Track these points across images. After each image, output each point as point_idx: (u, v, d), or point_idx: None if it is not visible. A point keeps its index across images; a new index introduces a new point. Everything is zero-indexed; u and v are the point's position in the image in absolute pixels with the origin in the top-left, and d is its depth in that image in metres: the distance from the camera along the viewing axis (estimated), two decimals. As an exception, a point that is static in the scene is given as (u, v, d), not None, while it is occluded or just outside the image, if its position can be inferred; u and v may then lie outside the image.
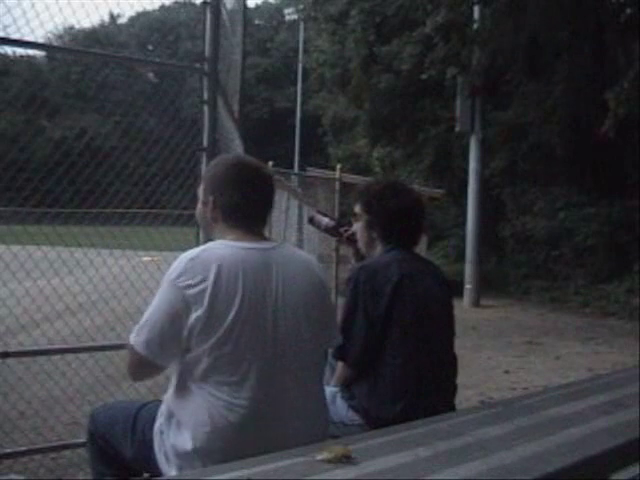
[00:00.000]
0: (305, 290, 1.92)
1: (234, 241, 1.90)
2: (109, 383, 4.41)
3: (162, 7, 49.03)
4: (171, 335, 1.80)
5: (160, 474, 1.85)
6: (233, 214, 1.95)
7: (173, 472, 1.83)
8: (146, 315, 1.84)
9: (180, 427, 1.83)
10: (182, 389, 1.85)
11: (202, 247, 1.91)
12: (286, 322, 1.85)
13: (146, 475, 2.07)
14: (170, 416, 1.88)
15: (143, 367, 1.89)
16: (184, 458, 1.81)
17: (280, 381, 1.83)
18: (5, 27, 3.25)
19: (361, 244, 2.52)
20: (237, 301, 1.78)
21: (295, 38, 33.53)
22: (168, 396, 1.92)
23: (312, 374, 1.94)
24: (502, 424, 1.82)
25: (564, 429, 1.77)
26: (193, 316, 1.76)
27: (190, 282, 1.77)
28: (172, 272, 1.81)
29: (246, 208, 1.95)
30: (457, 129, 12.50)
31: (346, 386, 2.33)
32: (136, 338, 1.84)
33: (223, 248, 1.87)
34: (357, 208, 2.51)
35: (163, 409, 1.94)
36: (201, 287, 1.77)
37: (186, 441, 1.80)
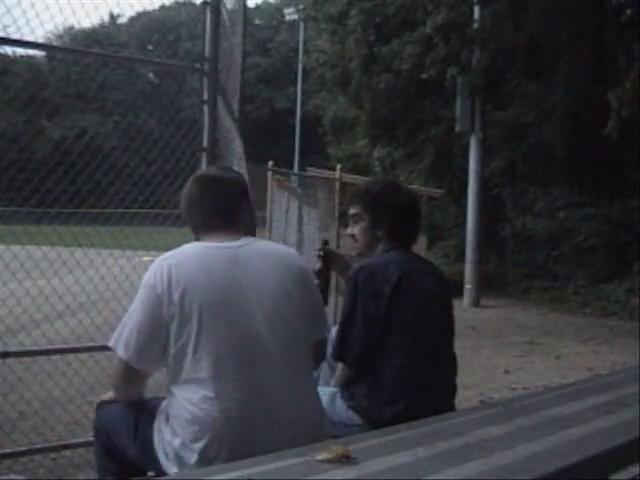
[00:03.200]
0: (282, 281, 1.95)
1: (204, 241, 2.01)
2: (109, 383, 4.40)
3: (162, 7, 48.92)
4: (151, 338, 1.86)
5: (162, 472, 1.86)
6: (196, 227, 2.07)
7: (174, 469, 1.84)
8: (124, 320, 1.91)
9: (173, 426, 1.86)
10: (169, 391, 1.90)
11: (175, 250, 2.00)
12: (263, 314, 1.88)
13: (150, 474, 2.07)
14: (166, 414, 1.91)
15: (127, 374, 1.95)
16: (181, 455, 1.82)
17: (262, 373, 1.84)
18: (5, 27, 3.26)
19: (362, 245, 2.51)
20: (205, 297, 1.84)
21: (295, 38, 33.50)
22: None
23: (297, 364, 1.93)
24: (502, 424, 1.82)
25: (564, 429, 1.77)
26: (167, 315, 1.83)
27: (162, 282, 1.85)
28: (147, 275, 1.91)
29: (203, 220, 2.04)
30: (457, 129, 12.48)
31: (346, 386, 2.33)
32: (117, 343, 1.91)
33: (192, 248, 1.99)
34: (356, 210, 2.49)
35: (162, 407, 1.96)
36: (171, 286, 1.84)
37: (178, 439, 1.83)
